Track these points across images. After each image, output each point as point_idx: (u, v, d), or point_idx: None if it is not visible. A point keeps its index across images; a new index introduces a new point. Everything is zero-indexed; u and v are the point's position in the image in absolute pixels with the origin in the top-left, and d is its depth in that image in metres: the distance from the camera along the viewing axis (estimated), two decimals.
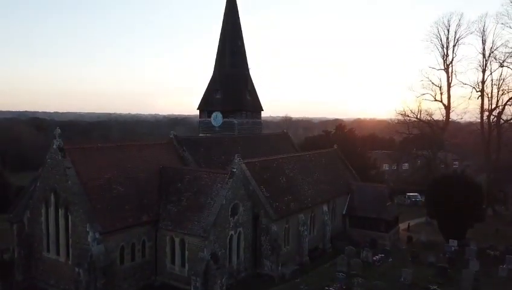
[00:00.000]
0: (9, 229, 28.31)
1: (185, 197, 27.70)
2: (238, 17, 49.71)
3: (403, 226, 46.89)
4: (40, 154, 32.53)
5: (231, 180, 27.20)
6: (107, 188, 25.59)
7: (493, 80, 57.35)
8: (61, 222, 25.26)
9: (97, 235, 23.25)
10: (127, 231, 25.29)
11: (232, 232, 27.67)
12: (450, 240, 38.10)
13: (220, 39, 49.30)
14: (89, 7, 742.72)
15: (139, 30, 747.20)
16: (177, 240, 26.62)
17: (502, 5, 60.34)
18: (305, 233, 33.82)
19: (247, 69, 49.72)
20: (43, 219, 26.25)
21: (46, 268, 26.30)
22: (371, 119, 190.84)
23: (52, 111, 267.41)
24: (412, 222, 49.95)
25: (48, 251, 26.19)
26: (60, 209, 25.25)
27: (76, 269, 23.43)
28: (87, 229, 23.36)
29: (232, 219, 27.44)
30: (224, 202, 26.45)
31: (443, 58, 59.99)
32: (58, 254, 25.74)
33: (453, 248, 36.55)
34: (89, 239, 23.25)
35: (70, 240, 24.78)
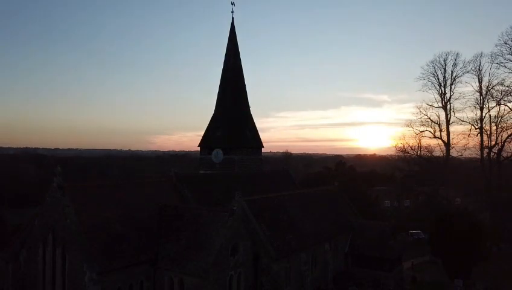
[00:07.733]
0: (4, 268, 27.66)
1: (184, 236, 27.27)
2: (239, 58, 50.94)
3: (406, 264, 45.92)
4: (40, 191, 32.40)
5: (231, 218, 26.91)
6: (106, 227, 25.27)
7: (491, 118, 58.17)
8: (58, 261, 24.75)
9: (94, 276, 22.71)
10: (124, 271, 24.71)
11: (232, 272, 27.03)
12: (455, 279, 37.23)
13: (221, 78, 50.39)
14: (90, 45, 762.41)
15: (139, 68, 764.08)
16: (175, 280, 25.95)
17: (496, 46, 62.19)
18: (307, 273, 33.06)
19: (248, 107, 50.47)
20: (40, 258, 25.73)
21: None
22: (371, 155, 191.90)
23: (52, 148, 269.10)
24: (416, 261, 49.05)
25: None
26: (57, 249, 24.82)
27: None
28: (84, 269, 22.86)
29: (232, 258, 26.90)
30: (224, 241, 26.03)
31: (441, 96, 61.12)
32: None
33: (458, 288, 35.65)
34: (86, 280, 22.69)
35: (66, 280, 24.22)
